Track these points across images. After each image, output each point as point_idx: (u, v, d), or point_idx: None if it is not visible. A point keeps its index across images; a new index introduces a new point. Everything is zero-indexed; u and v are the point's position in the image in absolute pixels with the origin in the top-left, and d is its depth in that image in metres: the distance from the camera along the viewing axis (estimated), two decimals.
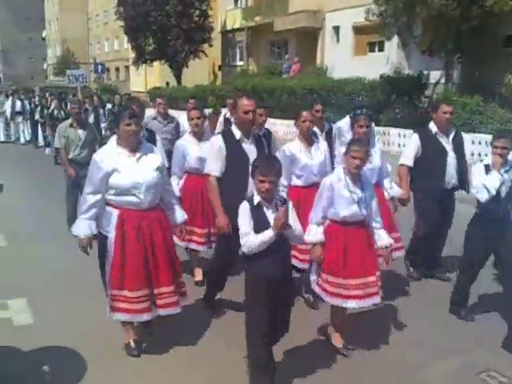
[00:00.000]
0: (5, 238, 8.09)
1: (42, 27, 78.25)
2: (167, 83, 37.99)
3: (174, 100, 30.25)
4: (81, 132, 8.19)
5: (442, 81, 17.29)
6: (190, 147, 6.05)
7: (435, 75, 17.35)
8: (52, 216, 9.20)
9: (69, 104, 17.93)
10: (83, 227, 4.41)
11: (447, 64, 17.02)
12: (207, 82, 35.81)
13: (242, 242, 3.82)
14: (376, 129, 16.56)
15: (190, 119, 6.06)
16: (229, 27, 34.40)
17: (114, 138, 4.52)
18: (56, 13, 70.47)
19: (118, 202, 4.37)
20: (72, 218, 7.61)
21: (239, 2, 33.96)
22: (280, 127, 20.30)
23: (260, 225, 3.79)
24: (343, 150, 4.83)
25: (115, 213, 4.37)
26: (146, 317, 4.43)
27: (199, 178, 5.74)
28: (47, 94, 22.63)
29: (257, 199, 3.87)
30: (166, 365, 4.46)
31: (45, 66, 75.08)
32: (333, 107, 17.73)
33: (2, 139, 21.54)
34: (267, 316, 3.86)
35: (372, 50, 24.15)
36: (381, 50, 23.09)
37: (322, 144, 5.80)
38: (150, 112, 14.66)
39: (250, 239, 3.78)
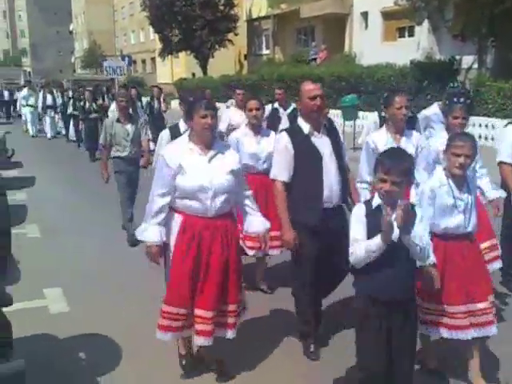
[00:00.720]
0: (39, 230, 8.16)
1: (69, 21, 79.02)
2: (193, 74, 38.04)
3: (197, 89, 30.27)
4: (129, 127, 7.52)
5: (475, 66, 16.88)
6: (244, 142, 5.49)
7: (468, 60, 16.95)
8: (84, 210, 9.38)
9: (102, 98, 18.04)
10: (152, 234, 3.82)
11: (480, 48, 16.61)
12: (233, 71, 35.72)
13: (350, 250, 3.13)
14: None
15: (248, 110, 5.50)
16: (254, 15, 34.17)
17: (186, 132, 4.05)
18: (82, 6, 71.07)
19: (181, 206, 3.81)
20: (129, 220, 7.55)
21: None
22: None
23: (377, 233, 3.02)
24: (434, 142, 4.41)
25: (178, 219, 3.82)
26: (202, 341, 3.83)
27: (254, 176, 5.20)
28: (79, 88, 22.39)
29: (376, 201, 3.15)
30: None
31: (72, 60, 75.77)
32: (362, 94, 17.55)
33: (32, 133, 21.46)
34: (381, 363, 3.11)
35: (402, 36, 23.71)
36: (411, 35, 22.65)
37: (415, 136, 4.89)
38: (174, 104, 14.32)
39: (357, 247, 3.07)
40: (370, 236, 3.05)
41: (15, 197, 9.86)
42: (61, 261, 6.74)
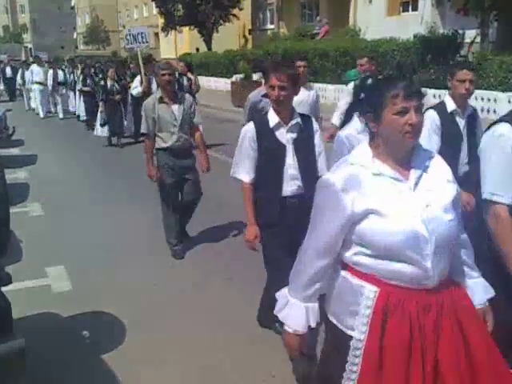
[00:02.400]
0: (42, 208, 8.21)
1: None
2: (197, 49, 37.79)
3: (205, 66, 30.15)
4: (176, 108, 5.85)
5: (478, 40, 16.77)
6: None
7: (470, 34, 16.85)
8: (88, 189, 9.42)
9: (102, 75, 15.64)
10: (297, 316, 2.36)
11: (483, 22, 16.52)
12: (237, 46, 35.48)
13: None
14: None
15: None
16: None
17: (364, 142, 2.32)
18: None
19: (374, 270, 2.18)
20: (177, 237, 6.19)
21: None
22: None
23: None
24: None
25: (371, 293, 2.17)
26: None
27: None
28: (88, 63, 20.90)
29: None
30: (208, 334, 4.41)
31: (74, 36, 75.28)
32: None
33: (43, 114, 20.05)
34: None
35: (405, 10, 23.63)
36: (414, 9, 22.58)
37: None
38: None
39: None
40: None
41: (16, 175, 9.92)
42: (63, 239, 6.74)
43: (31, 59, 30.36)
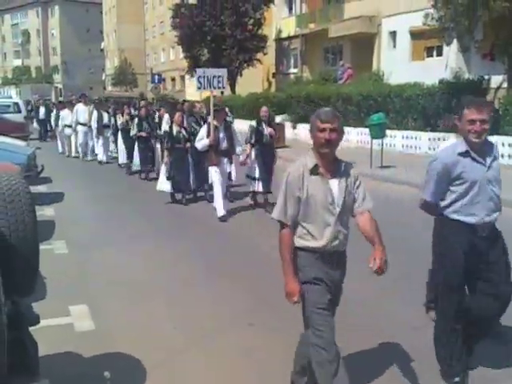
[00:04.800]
0: (66, 246, 8.23)
1: (101, 39, 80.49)
2: (222, 92, 38.24)
3: (229, 108, 30.44)
4: (335, 184, 3.54)
5: (505, 85, 16.75)
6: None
7: (497, 80, 16.84)
8: (113, 227, 9.42)
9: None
10: None
11: (510, 67, 16.49)
12: (261, 89, 35.90)
13: None
14: (434, 134, 16.44)
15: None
16: (283, 35, 34.47)
17: None
18: (114, 25, 72.44)
19: None
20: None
21: (293, 10, 33.99)
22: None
23: None
24: None
25: None
26: None
27: None
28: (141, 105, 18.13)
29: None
30: (232, 368, 4.40)
31: (103, 77, 77.01)
32: (390, 113, 17.51)
33: (89, 157, 19.11)
34: None
35: (430, 55, 23.79)
36: (439, 54, 22.71)
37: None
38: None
39: None
40: None
41: (43, 212, 10.01)
42: (86, 277, 6.72)
43: (61, 98, 30.44)
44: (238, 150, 10.52)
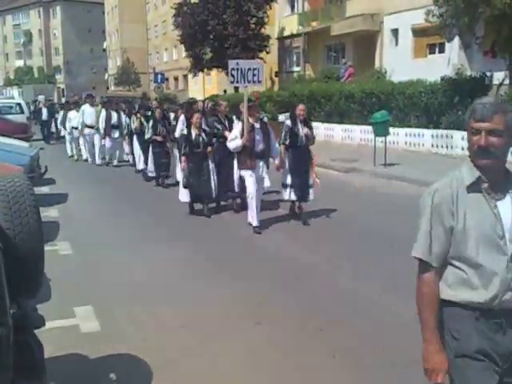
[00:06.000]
0: (71, 247, 8.25)
1: (103, 39, 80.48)
2: (225, 91, 38.32)
3: (231, 107, 30.44)
4: (504, 205, 2.42)
5: (506, 82, 16.72)
6: None
7: (499, 76, 16.81)
8: (117, 228, 9.43)
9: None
10: None
11: (511, 64, 16.45)
12: (264, 88, 35.86)
13: None
14: (438, 132, 16.42)
15: None
16: (286, 33, 34.44)
17: None
18: (116, 24, 72.47)
19: None
20: None
21: (296, 8, 33.96)
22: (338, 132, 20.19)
23: None
24: None
25: None
26: None
27: None
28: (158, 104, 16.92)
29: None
30: (240, 368, 4.41)
31: (106, 77, 77.02)
32: (393, 110, 17.51)
33: (100, 161, 18.05)
34: None
35: (432, 52, 23.75)
36: (441, 51, 22.68)
37: None
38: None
39: None
40: None
41: (47, 213, 10.03)
42: (91, 278, 6.69)
43: (63, 99, 30.10)
44: (275, 152, 9.21)
